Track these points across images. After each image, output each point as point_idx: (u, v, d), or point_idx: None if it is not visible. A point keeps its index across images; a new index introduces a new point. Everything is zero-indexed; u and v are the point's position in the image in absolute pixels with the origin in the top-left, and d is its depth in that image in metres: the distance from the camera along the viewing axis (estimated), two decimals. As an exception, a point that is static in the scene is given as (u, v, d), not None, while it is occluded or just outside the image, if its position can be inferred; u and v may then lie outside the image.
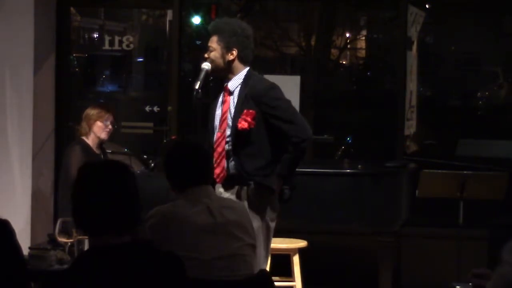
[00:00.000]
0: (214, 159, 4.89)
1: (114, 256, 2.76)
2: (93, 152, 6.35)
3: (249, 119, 4.84)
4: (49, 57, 7.26)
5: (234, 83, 4.99)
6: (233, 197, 4.87)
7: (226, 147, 4.92)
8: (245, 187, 4.89)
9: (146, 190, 5.26)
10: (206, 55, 5.01)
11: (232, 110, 4.94)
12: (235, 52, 4.97)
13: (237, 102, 4.94)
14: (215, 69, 4.98)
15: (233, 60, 4.98)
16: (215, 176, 4.87)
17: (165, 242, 3.49)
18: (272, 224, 4.96)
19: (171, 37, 7.63)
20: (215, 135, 4.97)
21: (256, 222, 4.69)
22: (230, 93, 4.99)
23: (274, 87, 4.98)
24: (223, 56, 4.97)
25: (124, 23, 9.67)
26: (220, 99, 5.02)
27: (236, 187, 4.91)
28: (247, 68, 5.01)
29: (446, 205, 6.43)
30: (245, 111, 4.86)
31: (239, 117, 4.87)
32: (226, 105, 4.98)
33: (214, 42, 4.98)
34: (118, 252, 2.76)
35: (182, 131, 7.25)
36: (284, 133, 4.89)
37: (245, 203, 4.81)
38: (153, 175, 6.47)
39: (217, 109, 5.01)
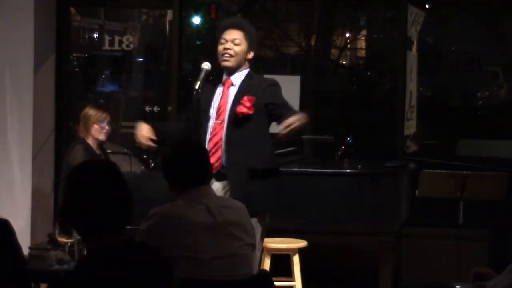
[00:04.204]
0: (209, 149, 4.87)
1: (111, 256, 2.77)
2: (94, 152, 6.34)
3: (248, 104, 4.85)
4: (49, 57, 7.26)
5: (237, 78, 4.99)
6: (225, 189, 4.87)
7: (224, 137, 4.90)
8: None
9: (146, 190, 5.29)
10: (228, 46, 4.91)
11: (232, 100, 4.94)
12: (253, 53, 5.00)
13: (236, 92, 4.93)
14: (233, 64, 4.93)
15: (249, 60, 4.99)
16: None
17: (164, 243, 3.49)
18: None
19: (171, 37, 7.63)
20: (210, 126, 4.94)
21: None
22: (232, 85, 4.99)
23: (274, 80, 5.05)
24: (246, 53, 4.97)
25: (124, 23, 9.66)
26: (218, 91, 5.00)
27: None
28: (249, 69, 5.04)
29: (446, 205, 6.43)
30: (245, 97, 4.87)
31: (238, 103, 4.87)
32: (225, 97, 4.96)
33: (240, 37, 4.94)
34: (114, 252, 2.78)
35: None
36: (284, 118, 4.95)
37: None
38: (153, 175, 6.47)
39: (213, 101, 4.98)
